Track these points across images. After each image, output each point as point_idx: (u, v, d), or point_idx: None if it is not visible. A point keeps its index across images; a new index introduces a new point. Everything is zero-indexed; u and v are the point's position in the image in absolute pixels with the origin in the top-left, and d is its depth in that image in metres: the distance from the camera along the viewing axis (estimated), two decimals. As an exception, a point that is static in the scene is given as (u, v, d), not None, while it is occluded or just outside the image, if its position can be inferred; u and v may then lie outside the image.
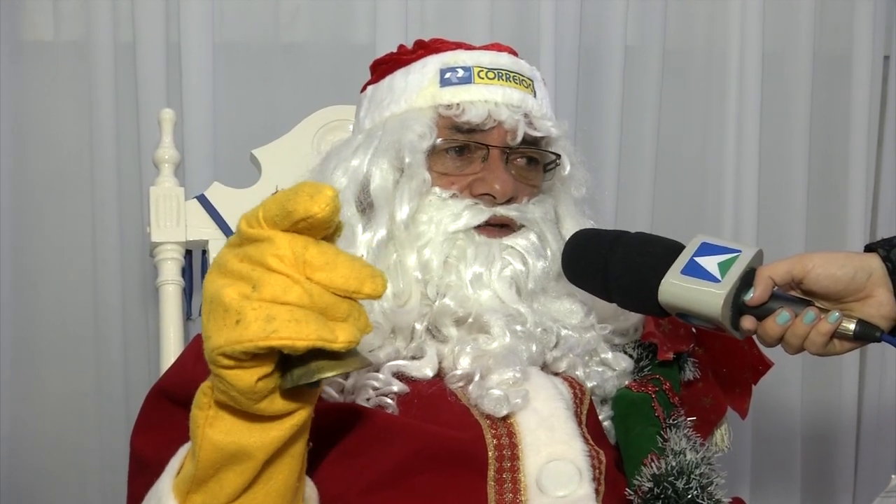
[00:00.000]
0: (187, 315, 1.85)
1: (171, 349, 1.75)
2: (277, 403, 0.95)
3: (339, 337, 0.88)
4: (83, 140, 2.33)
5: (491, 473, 1.26)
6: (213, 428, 0.97)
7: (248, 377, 0.90)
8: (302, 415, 0.98)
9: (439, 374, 1.36)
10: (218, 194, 1.88)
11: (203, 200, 1.86)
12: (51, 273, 2.36)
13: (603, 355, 1.45)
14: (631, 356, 1.48)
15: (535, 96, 1.53)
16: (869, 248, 1.32)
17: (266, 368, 0.90)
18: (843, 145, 2.64)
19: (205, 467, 0.99)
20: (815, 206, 2.66)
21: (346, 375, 0.94)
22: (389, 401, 1.30)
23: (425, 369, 1.34)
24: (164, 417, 1.35)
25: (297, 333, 0.86)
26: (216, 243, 1.83)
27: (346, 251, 0.91)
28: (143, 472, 1.29)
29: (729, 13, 2.57)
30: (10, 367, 2.32)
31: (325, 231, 0.90)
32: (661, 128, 2.57)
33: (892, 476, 1.18)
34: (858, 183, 2.62)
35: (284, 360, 0.92)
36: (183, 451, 1.08)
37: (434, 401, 1.32)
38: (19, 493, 2.36)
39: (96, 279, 2.33)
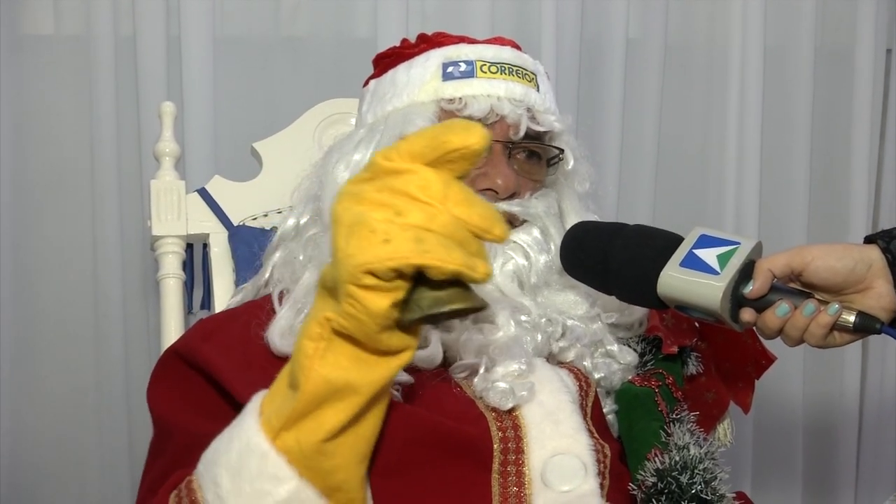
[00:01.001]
0: (188, 309, 1.85)
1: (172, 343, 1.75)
2: (395, 337, 0.96)
3: (479, 267, 0.90)
4: (84, 134, 2.33)
5: (495, 466, 1.25)
6: (324, 360, 0.98)
7: (383, 301, 0.91)
8: (408, 355, 1.00)
9: (444, 365, 1.35)
10: (219, 188, 1.87)
11: (204, 194, 1.86)
12: (51, 267, 2.36)
13: (609, 347, 1.45)
14: (635, 350, 1.47)
15: (538, 90, 1.53)
16: (868, 240, 1.32)
17: (401, 293, 0.92)
18: (844, 139, 2.64)
19: (307, 400, 1.00)
20: (816, 200, 2.66)
21: (467, 313, 0.95)
22: (394, 391, 1.30)
23: (430, 359, 1.34)
24: (180, 378, 1.35)
25: (448, 255, 0.89)
26: (217, 237, 1.83)
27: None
28: (167, 436, 1.31)
29: (731, 7, 2.58)
30: (10, 363, 2.32)
31: (470, 167, 0.93)
32: (663, 122, 2.57)
33: None
34: (860, 177, 2.63)
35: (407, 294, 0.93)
36: (258, 398, 1.08)
37: (439, 392, 1.31)
38: (19, 489, 2.37)
39: (97, 273, 2.33)
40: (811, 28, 2.59)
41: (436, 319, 0.96)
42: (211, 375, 1.31)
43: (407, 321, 0.94)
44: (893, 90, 2.67)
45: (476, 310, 0.95)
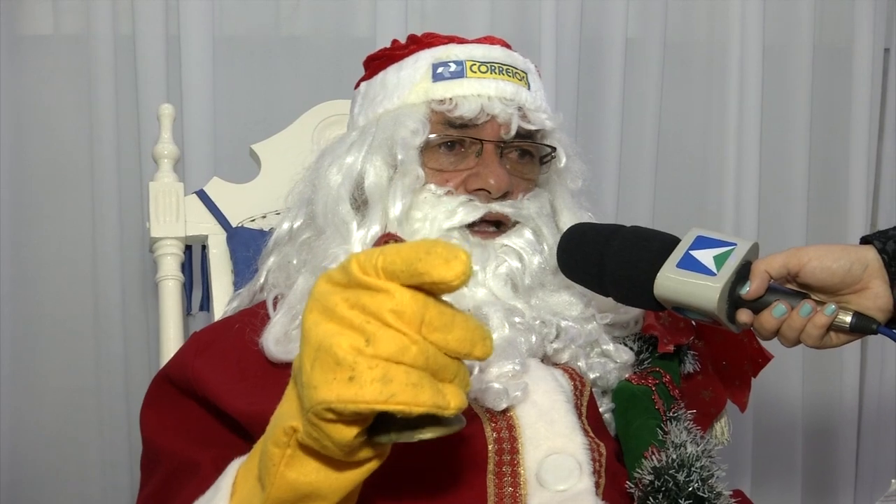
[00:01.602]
0: (187, 310, 1.85)
1: (171, 344, 1.75)
2: (363, 453, 0.94)
3: (451, 403, 0.87)
4: (83, 134, 2.33)
5: (491, 467, 1.26)
6: (291, 468, 0.96)
7: (348, 433, 0.89)
8: (378, 461, 0.98)
9: None
10: (217, 189, 1.88)
11: (202, 195, 1.86)
12: (51, 268, 2.36)
13: (605, 346, 1.45)
14: (631, 349, 1.47)
15: (529, 89, 1.52)
16: (865, 241, 1.32)
17: (365, 424, 0.89)
18: (843, 138, 2.65)
19: (274, 503, 0.99)
20: (815, 198, 2.66)
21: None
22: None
23: None
24: (170, 403, 1.36)
25: (415, 399, 0.84)
26: (215, 238, 1.84)
27: (458, 310, 0.89)
28: (156, 461, 1.32)
29: (730, 5, 2.58)
30: (10, 363, 2.32)
31: (451, 292, 0.87)
32: (662, 120, 2.57)
33: (893, 480, 1.18)
34: (859, 175, 2.63)
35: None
36: (233, 470, 1.08)
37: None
38: (20, 487, 2.37)
39: (96, 274, 2.34)
40: (810, 27, 2.60)
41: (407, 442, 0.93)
42: (203, 394, 1.31)
43: (376, 441, 0.92)
44: (891, 89, 2.67)
45: (456, 431, 0.93)
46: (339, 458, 0.94)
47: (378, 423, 0.91)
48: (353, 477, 0.97)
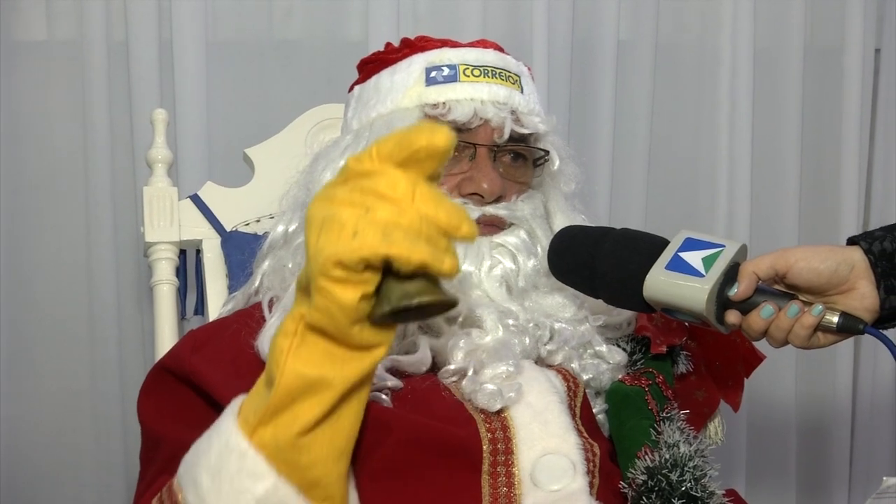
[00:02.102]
0: (182, 314, 1.86)
1: (166, 348, 1.74)
2: (367, 332, 0.98)
3: (446, 261, 0.93)
4: (77, 140, 2.33)
5: (485, 467, 1.26)
6: (297, 356, 0.99)
7: (352, 293, 0.93)
8: (381, 351, 1.01)
9: (433, 369, 1.36)
10: (211, 194, 1.88)
11: (196, 200, 1.86)
12: (45, 273, 2.36)
13: (598, 348, 1.45)
14: (624, 350, 1.48)
15: (522, 92, 1.53)
16: (851, 241, 1.33)
17: (369, 287, 0.94)
18: (835, 139, 2.65)
19: (282, 395, 1.01)
20: (807, 199, 2.67)
21: (437, 309, 0.96)
22: (384, 396, 1.30)
23: (419, 364, 1.34)
24: (169, 391, 1.36)
25: (413, 247, 0.91)
26: (210, 242, 1.84)
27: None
28: (155, 448, 1.32)
29: (721, 7, 2.59)
30: (5, 367, 2.32)
31: (438, 167, 0.95)
32: (654, 122, 2.58)
33: (884, 478, 1.19)
34: (851, 176, 2.63)
35: (378, 292, 0.95)
36: (238, 400, 1.10)
37: (428, 395, 1.32)
38: (15, 491, 2.37)
39: (91, 279, 2.34)
40: (800, 28, 2.60)
41: (407, 316, 0.97)
42: (200, 387, 1.32)
43: (377, 315, 0.96)
44: (882, 89, 2.68)
45: (446, 304, 0.96)
46: (344, 338, 0.98)
47: (378, 303, 0.96)
48: (360, 365, 1.01)
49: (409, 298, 0.94)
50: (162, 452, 1.28)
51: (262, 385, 1.05)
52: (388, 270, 0.93)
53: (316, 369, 0.99)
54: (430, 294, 0.94)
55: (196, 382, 1.32)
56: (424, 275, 0.94)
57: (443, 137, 0.92)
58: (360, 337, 0.98)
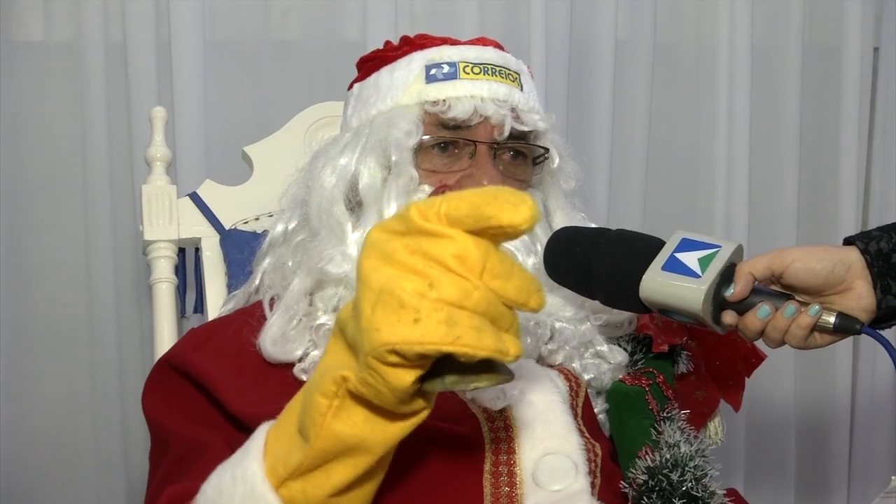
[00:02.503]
0: (181, 313, 1.85)
1: (166, 346, 1.74)
2: (415, 403, 0.94)
3: (510, 350, 0.87)
4: (75, 139, 2.33)
5: (487, 466, 1.26)
6: (338, 419, 0.95)
7: (408, 377, 0.88)
8: (425, 414, 0.97)
9: None
10: (210, 192, 1.88)
11: (195, 198, 1.86)
12: (44, 272, 2.36)
13: (599, 347, 1.45)
14: (625, 349, 1.48)
15: (521, 90, 1.52)
16: (848, 241, 1.33)
17: (424, 370, 0.88)
18: (833, 138, 2.65)
19: (317, 455, 0.97)
20: (805, 199, 2.67)
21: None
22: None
23: None
24: (174, 386, 1.36)
25: (479, 342, 0.84)
26: (209, 241, 1.84)
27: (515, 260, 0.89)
28: (164, 446, 1.31)
29: (719, 6, 2.59)
30: (4, 367, 2.32)
31: (513, 240, 0.88)
32: (652, 121, 2.58)
33: (893, 477, 1.18)
34: (849, 176, 2.64)
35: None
36: (263, 432, 1.05)
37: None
38: (14, 491, 2.37)
39: (90, 277, 2.34)
40: (799, 27, 2.61)
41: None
42: (202, 385, 1.31)
43: (428, 391, 0.92)
44: (881, 88, 2.68)
45: (507, 381, 0.92)
46: (389, 408, 0.93)
47: (429, 373, 0.90)
48: (400, 430, 0.97)
49: (466, 384, 0.90)
50: (171, 452, 1.27)
51: (295, 431, 1.00)
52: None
53: (356, 434, 0.95)
54: (486, 380, 0.90)
55: (198, 380, 1.32)
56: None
57: (527, 216, 0.84)
58: (407, 408, 0.94)
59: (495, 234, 0.86)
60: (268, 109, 2.38)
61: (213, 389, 1.29)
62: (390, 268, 0.87)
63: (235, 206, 1.86)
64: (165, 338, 1.76)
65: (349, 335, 0.92)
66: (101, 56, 2.30)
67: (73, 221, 2.35)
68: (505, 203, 0.84)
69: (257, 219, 1.84)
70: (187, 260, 1.88)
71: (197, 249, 1.86)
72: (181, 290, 1.85)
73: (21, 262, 2.34)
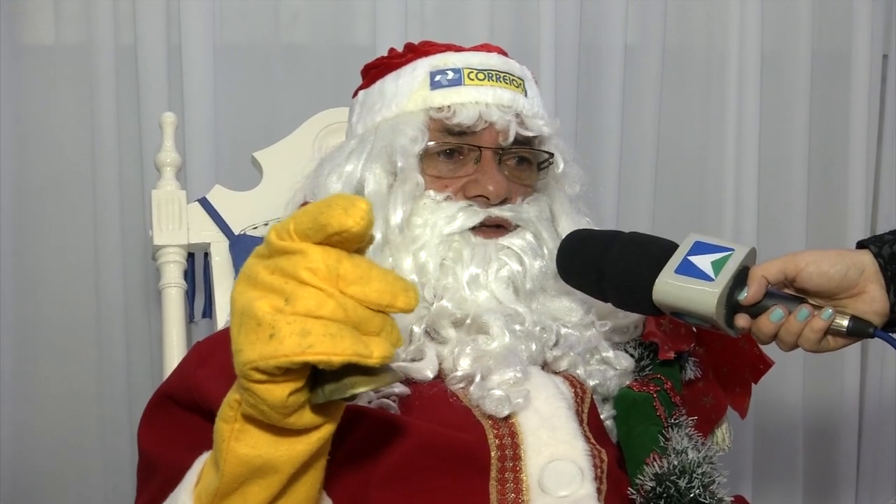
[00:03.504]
0: (190, 318, 1.86)
1: (174, 352, 1.76)
2: (306, 417, 0.94)
3: (374, 352, 0.88)
4: (85, 143, 2.34)
5: (493, 473, 1.26)
6: (239, 441, 0.97)
7: (279, 392, 0.89)
8: (329, 428, 0.98)
9: (439, 376, 1.36)
10: (219, 197, 1.88)
11: (205, 203, 1.86)
12: (53, 276, 2.37)
13: (604, 353, 1.45)
14: (632, 355, 1.48)
15: (526, 95, 1.53)
16: (861, 245, 1.33)
17: (297, 383, 0.90)
18: (842, 144, 2.65)
19: (229, 481, 0.99)
20: (815, 204, 2.67)
21: (375, 389, 0.94)
22: (391, 402, 1.30)
23: (426, 371, 1.34)
24: (169, 418, 1.35)
25: (333, 348, 0.85)
26: (218, 246, 1.84)
27: (376, 264, 0.90)
28: (152, 471, 1.31)
29: (728, 12, 2.59)
30: (12, 370, 2.33)
31: (359, 244, 0.89)
32: (662, 126, 2.58)
33: None
34: (858, 181, 2.64)
35: (315, 374, 0.91)
36: (200, 463, 1.08)
37: (436, 402, 1.32)
38: (21, 494, 2.37)
39: (98, 282, 2.34)
40: (808, 33, 2.61)
41: (346, 400, 0.93)
42: (205, 404, 1.30)
43: (314, 403, 0.92)
44: (890, 94, 2.68)
45: (389, 384, 0.93)
46: (283, 426, 0.94)
47: (315, 387, 0.92)
48: (305, 447, 0.97)
49: (344, 390, 0.91)
50: (159, 475, 1.27)
51: (211, 464, 1.02)
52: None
53: (260, 455, 0.96)
54: (364, 384, 0.90)
55: (199, 398, 1.31)
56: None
57: (356, 219, 0.86)
58: (299, 423, 0.94)
59: (339, 241, 0.87)
60: (277, 114, 2.39)
61: (215, 406, 1.29)
62: (252, 290, 0.89)
63: (245, 211, 1.87)
64: (174, 342, 1.77)
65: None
66: (112, 60, 2.31)
67: (82, 225, 2.36)
68: (336, 209, 0.86)
69: (266, 224, 1.84)
70: (196, 265, 1.88)
71: (206, 254, 1.87)
72: (190, 295, 1.85)
73: (30, 266, 2.35)
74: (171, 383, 1.40)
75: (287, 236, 0.88)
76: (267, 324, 0.86)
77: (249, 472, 0.98)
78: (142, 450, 1.37)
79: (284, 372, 0.88)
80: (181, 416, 1.34)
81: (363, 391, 0.91)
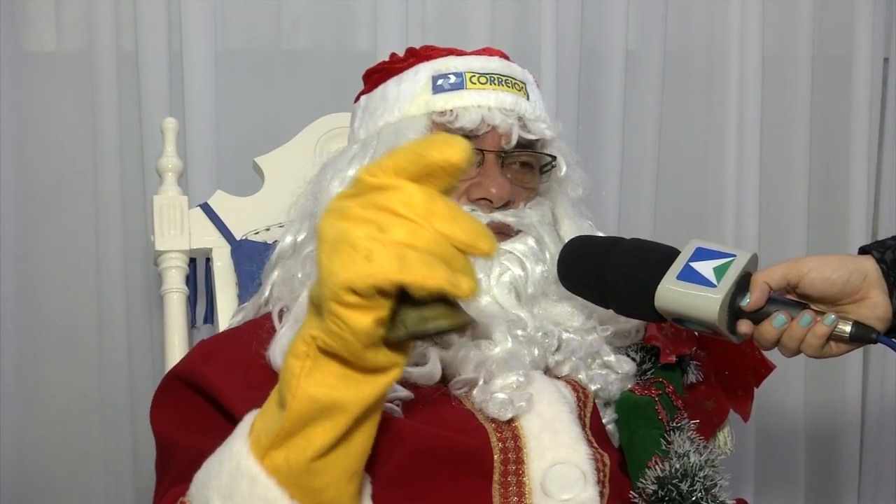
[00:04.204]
0: (191, 323, 1.86)
1: (176, 357, 1.75)
2: (381, 355, 0.95)
3: (462, 284, 0.89)
4: (86, 149, 2.34)
5: (496, 477, 1.26)
6: (310, 379, 0.96)
7: (367, 318, 0.90)
8: (396, 372, 0.98)
9: (442, 381, 1.36)
10: (221, 202, 1.88)
11: (206, 209, 1.86)
12: (55, 281, 2.37)
13: (606, 358, 1.45)
14: (633, 359, 1.48)
15: (528, 99, 1.53)
16: (863, 251, 1.33)
17: (384, 311, 0.90)
18: (843, 147, 2.65)
19: (295, 419, 0.99)
20: (816, 208, 2.67)
21: (454, 331, 0.94)
22: (394, 406, 1.30)
23: (429, 376, 1.34)
24: (180, 399, 1.36)
25: (430, 273, 0.87)
26: (220, 251, 1.84)
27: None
28: (169, 457, 1.31)
29: (729, 16, 2.59)
30: (14, 375, 2.33)
31: (454, 181, 0.91)
32: (663, 131, 2.58)
33: None
34: (859, 185, 2.63)
35: (393, 313, 0.92)
36: (250, 417, 1.07)
37: (438, 406, 1.32)
38: (23, 497, 2.37)
39: (100, 287, 2.34)
40: (809, 37, 2.60)
41: (423, 337, 0.94)
42: (212, 396, 1.31)
43: (392, 339, 0.93)
44: (891, 98, 2.68)
45: (464, 326, 0.94)
46: (358, 361, 0.94)
47: (393, 324, 0.93)
48: (375, 388, 0.98)
49: (425, 323, 0.92)
50: (177, 461, 1.27)
51: (275, 405, 1.02)
52: (403, 292, 0.89)
53: (330, 393, 0.97)
54: (446, 318, 0.92)
55: (208, 392, 1.32)
56: (441, 297, 0.90)
57: (458, 151, 0.89)
58: (374, 360, 0.95)
59: (436, 177, 0.90)
60: (279, 119, 2.39)
61: (223, 401, 1.29)
62: (344, 222, 0.90)
63: (246, 216, 1.87)
64: (176, 348, 1.77)
65: (315, 300, 0.95)
66: (113, 65, 2.31)
67: (84, 231, 2.36)
68: (439, 143, 0.89)
69: (268, 229, 1.84)
70: (198, 270, 1.88)
71: (208, 260, 1.87)
72: (192, 301, 1.86)
73: (32, 271, 2.35)
74: (180, 368, 1.40)
75: (381, 173, 0.90)
76: (363, 247, 0.88)
77: (317, 411, 0.98)
78: (157, 433, 1.37)
79: (377, 295, 0.88)
80: (192, 397, 1.34)
81: (444, 327, 0.92)
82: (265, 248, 1.69)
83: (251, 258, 1.73)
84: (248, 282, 1.72)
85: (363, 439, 1.04)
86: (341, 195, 0.94)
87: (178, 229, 1.83)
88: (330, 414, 0.98)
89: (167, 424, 1.35)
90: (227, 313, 1.78)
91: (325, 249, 0.91)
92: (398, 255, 0.87)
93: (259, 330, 1.40)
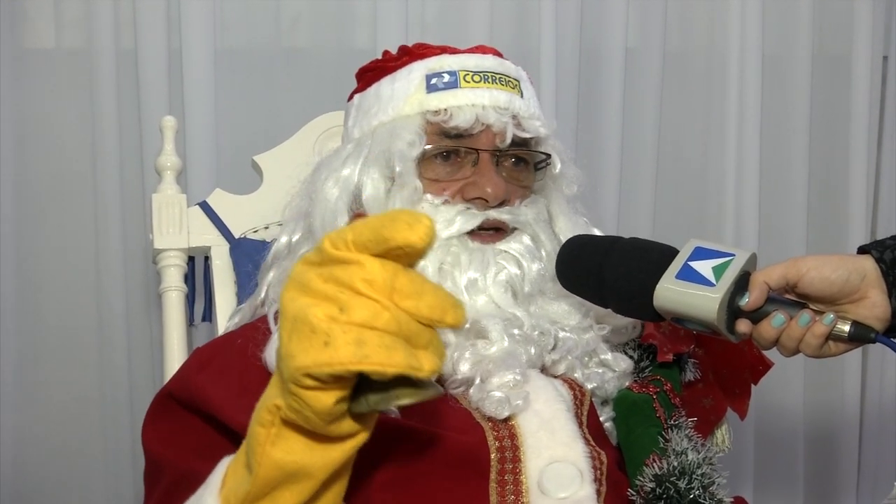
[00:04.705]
0: (190, 321, 1.86)
1: (175, 355, 1.76)
2: (346, 425, 0.94)
3: (424, 366, 0.88)
4: (85, 147, 2.34)
5: (493, 475, 1.27)
6: (276, 447, 0.96)
7: (327, 399, 0.89)
8: (363, 436, 0.98)
9: (439, 380, 1.36)
10: (220, 201, 1.88)
11: (205, 207, 1.86)
12: (54, 280, 2.37)
13: (603, 356, 1.46)
14: (631, 357, 1.48)
15: (521, 96, 1.53)
16: (862, 250, 1.33)
17: (345, 391, 0.90)
18: (843, 146, 2.65)
19: (261, 485, 0.99)
20: (815, 206, 2.67)
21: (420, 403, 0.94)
22: (391, 407, 1.30)
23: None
24: (172, 418, 1.35)
25: (388, 360, 0.85)
26: (218, 249, 1.84)
27: (429, 280, 0.90)
28: (158, 473, 1.31)
29: (729, 15, 2.59)
30: (13, 374, 2.33)
31: (417, 260, 0.89)
32: (662, 129, 2.58)
33: (895, 483, 1.18)
34: (859, 184, 2.64)
35: (357, 383, 0.91)
36: (223, 466, 1.08)
37: (435, 405, 1.31)
38: (23, 498, 2.37)
39: (99, 286, 2.34)
40: (808, 35, 2.61)
41: (388, 411, 0.93)
42: (206, 409, 1.31)
43: (356, 412, 0.93)
44: (890, 97, 2.68)
45: (433, 397, 0.93)
46: (322, 433, 0.94)
47: (357, 396, 0.92)
48: (339, 454, 0.97)
49: (388, 402, 0.91)
50: (165, 477, 1.28)
51: (242, 466, 1.02)
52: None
53: (295, 460, 0.96)
54: (409, 396, 0.91)
55: (200, 403, 1.32)
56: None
57: (420, 236, 0.85)
58: (339, 430, 0.94)
59: (399, 256, 0.87)
60: (278, 118, 2.39)
61: (215, 411, 1.29)
62: (305, 297, 0.88)
63: (245, 214, 1.87)
64: (174, 346, 1.77)
65: (279, 369, 0.93)
66: (112, 64, 2.31)
67: (83, 229, 2.36)
68: (401, 224, 0.86)
69: (267, 228, 1.84)
70: (197, 268, 1.88)
71: (207, 258, 1.87)
72: (190, 299, 1.86)
73: (31, 270, 2.35)
74: (173, 384, 1.40)
75: (343, 246, 0.88)
76: (322, 331, 0.86)
77: (283, 477, 0.98)
78: (147, 450, 1.37)
79: (335, 380, 0.88)
80: (184, 416, 1.34)
81: (409, 403, 0.91)
82: (264, 247, 1.69)
83: (250, 256, 1.73)
84: (247, 280, 1.72)
85: (332, 497, 1.04)
86: (305, 259, 0.92)
87: (177, 228, 1.83)
88: (296, 479, 0.98)
89: (158, 443, 1.35)
90: (226, 311, 1.78)
91: (285, 327, 0.89)
92: (357, 339, 0.85)
93: (255, 333, 1.40)
